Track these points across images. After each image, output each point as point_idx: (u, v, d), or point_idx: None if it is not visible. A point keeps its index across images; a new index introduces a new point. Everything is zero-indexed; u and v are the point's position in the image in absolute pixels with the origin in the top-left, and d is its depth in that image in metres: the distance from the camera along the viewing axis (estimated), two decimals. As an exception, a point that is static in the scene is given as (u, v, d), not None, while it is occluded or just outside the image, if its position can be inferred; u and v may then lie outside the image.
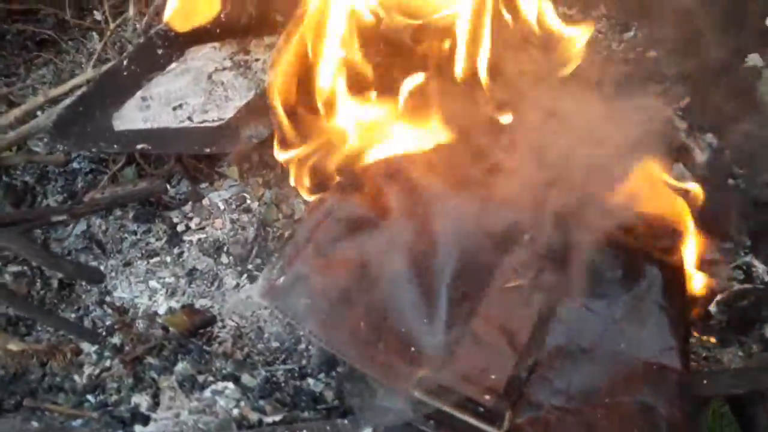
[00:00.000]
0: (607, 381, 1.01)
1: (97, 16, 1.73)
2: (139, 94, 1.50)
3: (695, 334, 1.20)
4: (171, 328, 1.22)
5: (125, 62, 1.51)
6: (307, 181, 1.30)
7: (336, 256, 1.14)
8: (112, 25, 1.64)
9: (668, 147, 1.32)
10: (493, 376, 1.02)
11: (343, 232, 1.16)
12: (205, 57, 1.53)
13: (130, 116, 1.46)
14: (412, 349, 1.07)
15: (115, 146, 1.42)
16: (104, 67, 1.51)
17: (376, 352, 1.06)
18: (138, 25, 1.63)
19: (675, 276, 1.16)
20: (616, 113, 1.32)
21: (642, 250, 1.16)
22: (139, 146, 1.40)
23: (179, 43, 1.54)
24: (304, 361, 1.20)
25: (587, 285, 1.10)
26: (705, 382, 1.11)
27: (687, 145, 1.37)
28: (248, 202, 1.42)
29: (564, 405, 1.00)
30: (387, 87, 1.27)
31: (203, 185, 1.43)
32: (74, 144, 1.41)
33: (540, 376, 1.03)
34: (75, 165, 1.49)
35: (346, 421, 1.04)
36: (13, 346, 1.20)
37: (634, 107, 1.34)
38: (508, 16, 1.35)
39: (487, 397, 0.98)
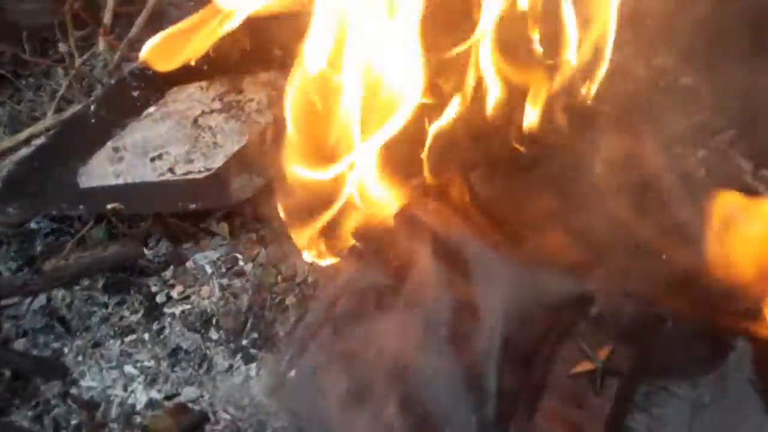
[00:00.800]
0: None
1: (63, 48, 1.49)
2: (110, 144, 1.27)
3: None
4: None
5: (93, 107, 1.29)
6: (318, 244, 1.08)
7: (358, 341, 0.93)
8: (78, 61, 1.39)
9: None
10: (569, 492, 0.81)
11: (366, 309, 0.95)
12: (189, 98, 1.31)
13: (100, 171, 1.24)
14: (461, 454, 0.86)
15: (81, 207, 1.19)
16: (68, 112, 1.27)
17: (419, 462, 0.85)
18: (108, 61, 1.39)
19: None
20: (674, 156, 1.15)
21: (726, 320, 0.96)
22: (110, 206, 1.17)
23: (158, 83, 1.31)
24: (318, 468, 0.98)
25: (667, 365, 0.90)
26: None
27: (754, 187, 1.17)
28: (240, 263, 1.19)
29: None
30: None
31: (186, 245, 1.20)
32: (29, 206, 1.18)
33: (625, 483, 0.82)
34: (33, 225, 1.25)
35: None
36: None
37: (691, 144, 1.16)
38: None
39: None
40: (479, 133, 1.18)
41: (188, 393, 1.06)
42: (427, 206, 1.04)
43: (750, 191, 1.19)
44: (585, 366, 0.88)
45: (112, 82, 1.30)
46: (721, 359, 0.86)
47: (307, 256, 1.10)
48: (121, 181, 1.23)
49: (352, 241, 1.07)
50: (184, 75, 1.30)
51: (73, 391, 1.07)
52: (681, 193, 1.08)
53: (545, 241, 1.01)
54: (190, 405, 1.01)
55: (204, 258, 1.20)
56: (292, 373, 0.91)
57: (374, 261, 0.99)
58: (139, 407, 1.05)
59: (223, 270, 1.19)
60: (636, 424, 0.85)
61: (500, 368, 0.90)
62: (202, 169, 1.23)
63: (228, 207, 1.20)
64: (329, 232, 1.09)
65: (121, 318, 1.15)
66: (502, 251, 0.98)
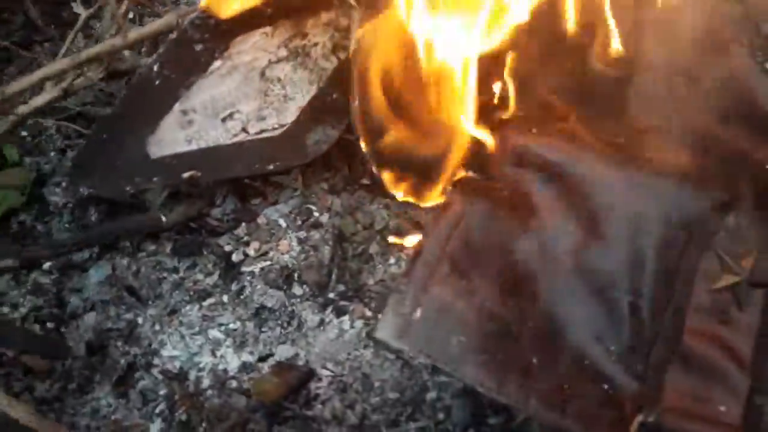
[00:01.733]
0: None
1: (76, 8, 1.36)
2: (177, 107, 1.16)
3: None
4: (258, 397, 0.91)
5: (155, 67, 1.17)
6: (405, 182, 1.02)
7: (480, 274, 0.87)
8: (84, 13, 1.26)
9: None
10: (722, 408, 0.76)
11: (482, 242, 0.89)
12: (255, 48, 1.18)
13: (170, 137, 1.14)
14: (605, 386, 0.81)
15: (155, 179, 1.09)
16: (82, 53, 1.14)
17: (564, 396, 0.79)
18: (119, 12, 1.24)
19: None
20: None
21: None
22: (185, 174, 1.07)
23: (221, 34, 1.19)
24: (440, 415, 0.92)
25: None
26: None
27: None
28: (315, 215, 1.11)
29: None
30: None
31: (255, 201, 1.12)
32: (102, 185, 1.09)
33: (777, 396, 0.78)
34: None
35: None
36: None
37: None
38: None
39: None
40: (564, 55, 1.12)
41: (283, 352, 0.99)
42: (528, 133, 0.98)
43: None
44: (728, 279, 0.83)
45: (173, 35, 1.17)
46: None
47: (401, 196, 1.04)
48: (194, 146, 1.13)
49: (447, 182, 1.01)
50: (248, 21, 1.18)
51: (156, 362, 1.00)
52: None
53: (656, 154, 0.96)
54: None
55: (276, 212, 1.12)
56: (418, 313, 0.85)
57: (483, 193, 0.93)
58: (232, 372, 0.97)
59: (299, 222, 1.11)
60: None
61: (637, 291, 0.85)
62: (275, 126, 1.13)
63: (305, 163, 1.11)
64: (424, 174, 1.02)
65: (195, 282, 1.06)
66: (616, 167, 0.93)
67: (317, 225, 1.11)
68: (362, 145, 1.00)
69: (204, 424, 0.90)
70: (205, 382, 0.97)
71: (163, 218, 1.06)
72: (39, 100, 1.13)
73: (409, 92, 1.00)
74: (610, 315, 0.84)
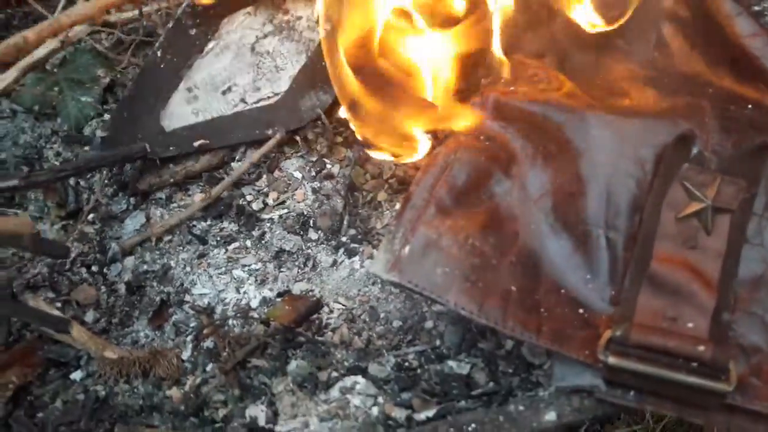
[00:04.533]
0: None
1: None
2: (182, 85, 1.30)
3: None
4: (273, 322, 1.03)
5: (159, 53, 1.30)
6: (385, 143, 1.11)
7: (463, 215, 0.95)
8: None
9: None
10: (690, 325, 0.83)
11: (467, 186, 0.97)
12: (242, 27, 1.32)
13: (180, 112, 1.28)
14: (581, 311, 0.89)
15: (171, 148, 1.24)
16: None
17: (540, 319, 0.88)
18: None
19: None
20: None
21: None
22: (196, 143, 1.23)
23: (211, 18, 1.32)
24: (437, 341, 1.02)
25: None
26: None
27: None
28: (328, 167, 1.22)
29: (788, 342, 0.81)
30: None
31: (272, 155, 1.23)
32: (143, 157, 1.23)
33: (745, 313, 0.85)
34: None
35: (522, 407, 0.85)
36: (111, 353, 1.01)
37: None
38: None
39: (702, 348, 0.79)
40: (539, 20, 1.18)
41: (298, 288, 1.11)
42: (508, 90, 1.06)
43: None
44: (693, 207, 0.89)
45: (170, 26, 1.32)
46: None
47: (384, 156, 1.13)
48: (200, 118, 1.27)
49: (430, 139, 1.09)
50: (231, 3, 1.32)
51: (188, 298, 1.12)
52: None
53: (636, 100, 1.02)
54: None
55: (291, 165, 1.22)
56: (407, 249, 0.94)
57: (466, 145, 1.01)
58: (254, 305, 1.09)
59: (313, 174, 1.22)
60: (752, 259, 0.88)
61: (609, 223, 0.93)
62: (270, 95, 1.26)
63: (301, 126, 1.24)
64: (402, 136, 1.11)
65: (221, 228, 1.18)
66: (593, 113, 0.99)
67: (330, 176, 1.21)
68: (343, 110, 1.11)
69: (227, 349, 1.02)
70: (230, 315, 1.09)
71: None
72: (41, 52, 1.27)
73: (383, 58, 1.08)
74: (587, 248, 0.92)
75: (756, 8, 1.28)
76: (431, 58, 1.13)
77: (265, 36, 1.31)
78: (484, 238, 0.94)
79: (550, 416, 0.84)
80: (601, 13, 1.12)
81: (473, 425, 0.84)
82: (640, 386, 0.81)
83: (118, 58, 1.35)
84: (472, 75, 1.16)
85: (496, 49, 1.11)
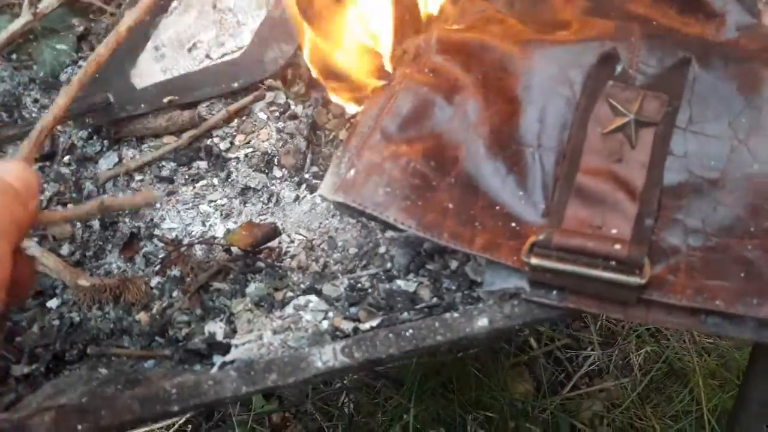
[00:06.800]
0: (747, 208, 0.87)
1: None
2: (150, 44, 1.36)
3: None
4: (233, 247, 1.09)
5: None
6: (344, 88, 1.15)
7: (408, 141, 1.00)
8: None
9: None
10: (614, 231, 0.88)
11: (410, 115, 1.02)
12: None
13: (149, 70, 1.34)
14: (513, 224, 0.94)
15: (143, 105, 1.30)
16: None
17: (474, 231, 0.93)
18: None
19: None
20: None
21: (751, 54, 0.99)
22: (166, 99, 1.29)
23: None
24: (388, 264, 1.07)
25: (698, 107, 0.95)
26: None
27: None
28: (292, 107, 1.27)
29: (704, 244, 0.86)
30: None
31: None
32: (102, 116, 1.29)
33: (667, 219, 0.89)
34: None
35: (456, 314, 0.90)
36: (84, 281, 1.07)
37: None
38: None
39: (618, 246, 0.84)
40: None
41: (261, 221, 1.16)
42: (452, 27, 1.10)
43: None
44: (618, 121, 0.94)
45: None
46: (753, 92, 0.91)
47: (337, 100, 1.18)
48: (168, 75, 1.33)
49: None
50: None
51: (157, 232, 1.18)
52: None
53: (577, 30, 1.06)
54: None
55: (256, 106, 1.28)
56: (352, 172, 0.99)
57: (411, 77, 1.05)
58: (218, 236, 1.15)
59: (277, 114, 1.27)
60: (675, 169, 0.92)
61: (540, 142, 0.97)
62: (234, 49, 1.33)
63: (266, 78, 1.30)
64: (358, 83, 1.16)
65: (190, 167, 1.24)
66: (532, 44, 1.03)
67: (294, 116, 1.26)
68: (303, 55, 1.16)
69: (191, 275, 1.08)
70: (196, 245, 1.14)
71: (110, 96, 1.27)
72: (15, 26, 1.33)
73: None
74: (521, 167, 0.97)
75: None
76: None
77: None
78: (426, 161, 0.99)
79: (483, 322, 0.89)
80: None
81: (411, 331, 0.89)
82: (563, 285, 0.86)
83: (90, 6, 1.40)
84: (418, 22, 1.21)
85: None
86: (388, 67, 1.12)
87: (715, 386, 1.88)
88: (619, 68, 0.95)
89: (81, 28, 1.39)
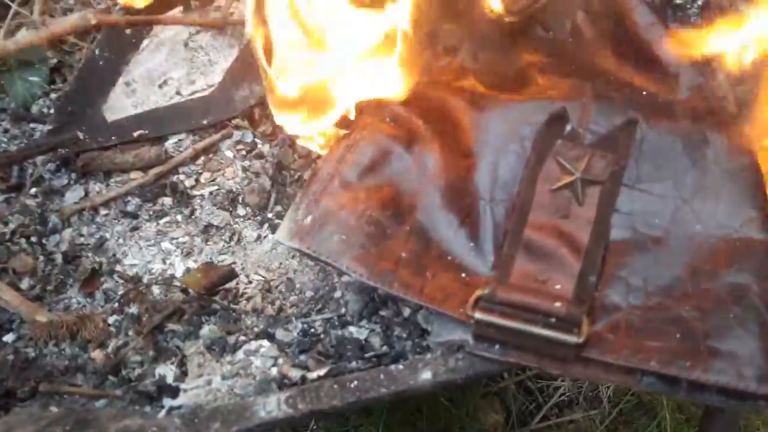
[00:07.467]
0: (687, 269, 0.89)
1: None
2: (121, 80, 1.39)
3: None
4: (189, 289, 1.09)
5: (97, 50, 1.41)
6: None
7: (365, 189, 1.01)
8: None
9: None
10: (557, 287, 0.89)
11: (369, 164, 1.03)
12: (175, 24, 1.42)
13: (120, 105, 1.37)
14: (463, 275, 0.95)
15: (113, 138, 1.32)
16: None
17: (425, 281, 0.94)
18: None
19: (740, 137, 1.00)
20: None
21: (698, 116, 1.01)
22: (136, 133, 1.32)
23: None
24: (342, 309, 1.07)
25: (645, 167, 0.97)
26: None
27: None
28: (259, 146, 1.28)
29: (645, 303, 0.87)
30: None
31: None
32: (73, 147, 1.31)
33: (611, 276, 0.90)
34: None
35: (401, 367, 0.91)
36: (42, 317, 1.08)
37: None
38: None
39: (558, 304, 0.85)
40: (456, 13, 1.23)
41: (221, 261, 1.17)
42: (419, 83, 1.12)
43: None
44: (565, 179, 0.95)
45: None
46: (698, 154, 0.93)
47: (301, 142, 1.20)
48: (139, 110, 1.36)
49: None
50: (162, 4, 1.42)
51: (118, 268, 1.18)
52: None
53: (540, 87, 1.08)
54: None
55: (224, 144, 1.29)
56: (308, 219, 1.00)
57: (373, 126, 1.07)
58: (178, 275, 1.15)
59: (244, 153, 1.28)
60: (620, 227, 0.93)
61: (491, 197, 0.98)
62: (205, 87, 1.36)
63: (236, 116, 1.32)
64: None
65: (155, 203, 1.25)
66: (490, 98, 1.05)
67: (260, 155, 1.28)
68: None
69: (147, 314, 1.09)
70: (155, 283, 1.15)
71: (79, 134, 1.30)
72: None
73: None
74: (473, 220, 0.99)
75: (678, 1, 1.34)
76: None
77: (198, 32, 1.40)
78: (383, 210, 1.00)
79: (426, 375, 0.89)
80: (512, 4, 1.18)
81: (355, 382, 0.90)
82: (505, 340, 0.87)
83: (66, 40, 1.42)
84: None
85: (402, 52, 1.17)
86: (351, 115, 1.14)
87: (682, 420, 1.88)
88: (568, 127, 0.97)
89: (54, 61, 1.41)
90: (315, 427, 1.88)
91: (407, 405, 1.84)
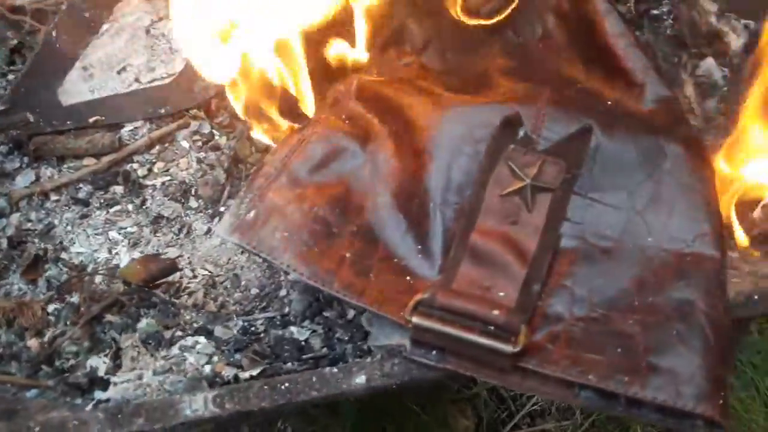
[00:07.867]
0: (634, 282, 0.86)
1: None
2: (78, 64, 1.35)
3: (740, 245, 1.03)
4: (123, 279, 1.06)
5: (54, 33, 1.37)
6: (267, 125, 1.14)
7: (314, 186, 0.98)
8: None
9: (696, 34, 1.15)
10: (501, 294, 0.87)
11: (321, 160, 1.00)
12: (137, 9, 1.38)
13: (76, 89, 1.33)
14: (408, 278, 0.92)
15: (68, 122, 1.29)
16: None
17: (367, 283, 0.91)
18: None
19: (700, 151, 0.98)
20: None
21: (658, 127, 0.99)
22: (92, 119, 1.28)
23: (104, 2, 1.39)
24: (286, 309, 1.04)
25: (599, 176, 0.94)
26: (756, 297, 0.95)
27: (719, 30, 1.18)
28: (216, 138, 1.25)
29: (588, 314, 0.84)
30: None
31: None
32: (25, 130, 1.28)
33: (556, 284, 0.87)
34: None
35: (335, 370, 0.88)
36: (-21, 303, 1.05)
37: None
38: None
39: (496, 312, 0.82)
40: (425, 12, 1.21)
41: (170, 253, 1.14)
42: (373, 74, 1.09)
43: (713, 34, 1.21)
44: (516, 185, 0.92)
45: (63, 8, 1.38)
46: (655, 166, 0.90)
47: (258, 135, 1.17)
48: (96, 96, 1.32)
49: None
50: None
51: (64, 255, 1.15)
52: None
53: (494, 90, 1.05)
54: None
55: (180, 134, 1.26)
56: (251, 214, 0.97)
57: (326, 122, 1.04)
58: (122, 265, 1.12)
59: (200, 144, 1.25)
60: (570, 236, 0.90)
61: (441, 200, 0.95)
62: (164, 75, 1.32)
63: (194, 106, 1.29)
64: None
65: (106, 191, 1.22)
66: (446, 99, 1.02)
67: (216, 147, 1.25)
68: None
69: (85, 304, 1.05)
70: (98, 273, 1.11)
71: (30, 116, 1.25)
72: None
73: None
74: (422, 222, 0.95)
75: (654, 12, 1.32)
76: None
77: (160, 19, 1.37)
78: (331, 208, 0.97)
79: (360, 379, 0.86)
80: (480, 8, 1.15)
81: (287, 384, 0.87)
82: (443, 346, 0.84)
83: (23, 20, 1.39)
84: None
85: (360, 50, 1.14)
86: (307, 111, 1.11)
87: (654, 432, 1.86)
88: (521, 132, 0.94)
89: (15, 42, 1.37)
90: (282, 427, 1.85)
91: (375, 408, 1.81)
